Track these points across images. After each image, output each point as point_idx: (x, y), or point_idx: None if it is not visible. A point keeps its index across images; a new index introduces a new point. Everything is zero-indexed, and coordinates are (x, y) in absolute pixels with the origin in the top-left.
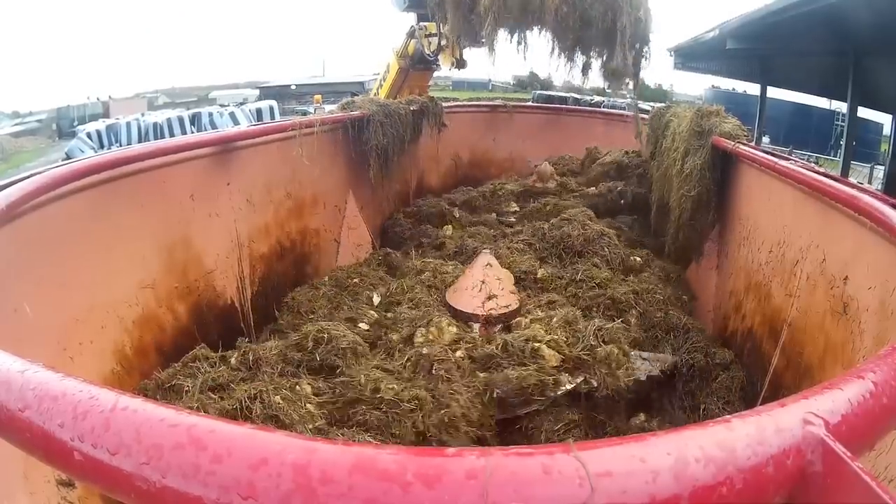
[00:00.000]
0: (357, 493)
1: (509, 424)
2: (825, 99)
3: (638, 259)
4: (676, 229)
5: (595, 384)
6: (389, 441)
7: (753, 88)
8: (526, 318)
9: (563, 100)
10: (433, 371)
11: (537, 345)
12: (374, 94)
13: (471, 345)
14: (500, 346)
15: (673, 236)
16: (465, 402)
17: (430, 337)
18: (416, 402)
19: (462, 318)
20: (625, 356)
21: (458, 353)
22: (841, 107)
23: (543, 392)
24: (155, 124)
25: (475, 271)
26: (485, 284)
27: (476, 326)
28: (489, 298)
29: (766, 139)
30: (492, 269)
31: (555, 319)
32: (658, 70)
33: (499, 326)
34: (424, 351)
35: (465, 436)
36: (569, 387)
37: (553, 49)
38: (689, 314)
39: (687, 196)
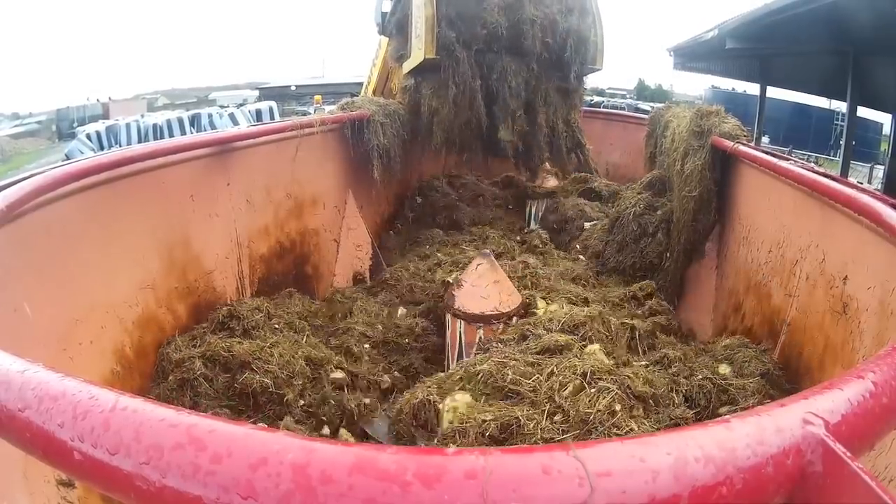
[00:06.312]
0: (357, 493)
1: None
2: (825, 99)
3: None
4: (679, 231)
5: None
6: None
7: (753, 88)
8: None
9: None
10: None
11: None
12: (369, 77)
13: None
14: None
15: (675, 237)
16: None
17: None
18: None
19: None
20: None
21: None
22: (840, 106)
23: None
24: (154, 125)
25: (501, 272)
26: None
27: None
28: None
29: (765, 139)
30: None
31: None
32: (658, 70)
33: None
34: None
35: None
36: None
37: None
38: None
39: (689, 197)
